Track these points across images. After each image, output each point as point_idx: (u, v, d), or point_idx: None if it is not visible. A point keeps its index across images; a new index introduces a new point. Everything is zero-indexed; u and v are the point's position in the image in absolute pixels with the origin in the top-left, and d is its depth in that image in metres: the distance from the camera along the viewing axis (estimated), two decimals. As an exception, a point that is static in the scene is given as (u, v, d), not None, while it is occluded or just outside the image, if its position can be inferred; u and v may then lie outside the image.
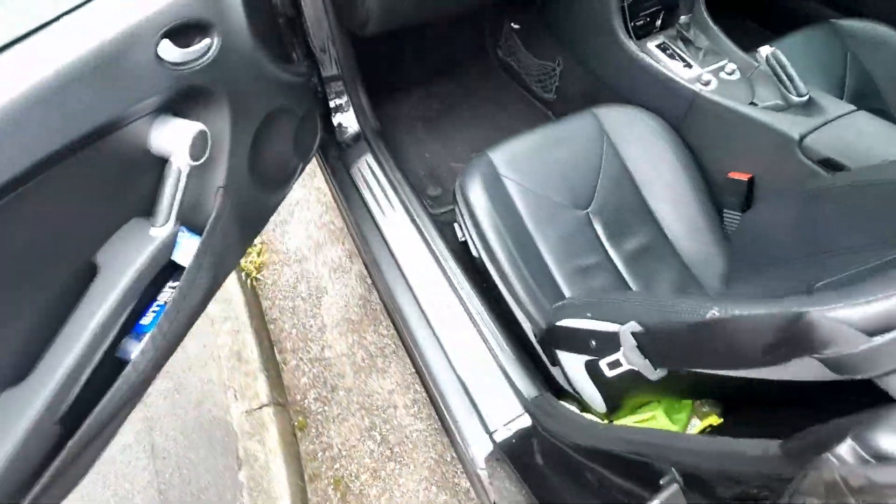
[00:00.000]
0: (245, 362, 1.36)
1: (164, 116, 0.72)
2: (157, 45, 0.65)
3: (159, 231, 0.74)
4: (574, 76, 1.45)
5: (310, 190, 1.81)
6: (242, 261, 1.61)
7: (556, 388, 1.04)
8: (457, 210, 1.17)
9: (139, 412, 1.29)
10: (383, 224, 1.24)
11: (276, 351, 1.49)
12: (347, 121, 1.38)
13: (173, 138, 0.70)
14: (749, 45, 1.19)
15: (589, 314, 0.77)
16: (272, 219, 1.76)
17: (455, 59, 1.75)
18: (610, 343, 0.70)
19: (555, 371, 1.04)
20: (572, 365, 0.93)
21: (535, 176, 1.15)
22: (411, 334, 1.12)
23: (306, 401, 1.40)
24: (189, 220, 0.80)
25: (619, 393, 0.90)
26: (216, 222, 0.79)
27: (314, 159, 1.50)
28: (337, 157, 1.39)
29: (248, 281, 1.59)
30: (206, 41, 0.72)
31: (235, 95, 0.79)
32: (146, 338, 0.69)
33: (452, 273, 1.16)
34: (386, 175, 1.29)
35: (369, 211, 1.27)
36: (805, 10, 1.52)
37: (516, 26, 1.57)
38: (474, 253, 1.13)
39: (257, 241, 1.69)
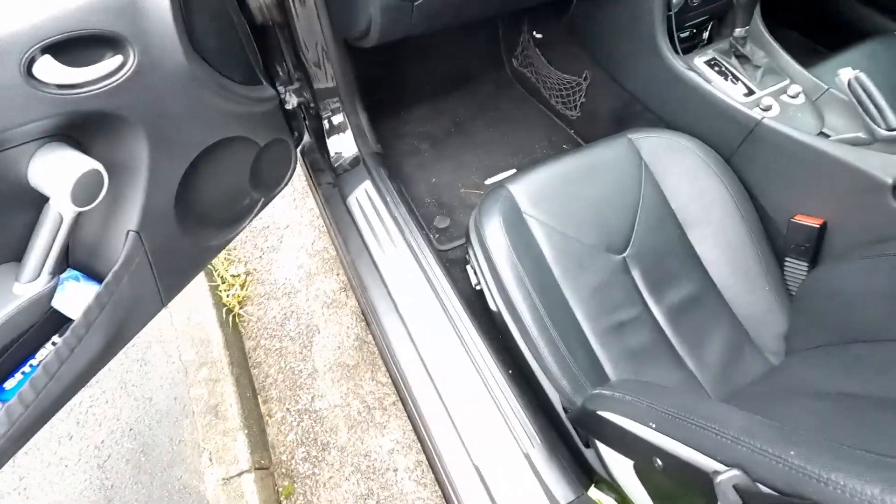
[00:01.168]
0: (223, 418, 1.19)
1: (51, 146, 0.60)
2: (28, 62, 0.53)
3: (24, 288, 0.63)
4: (603, 93, 1.28)
5: (302, 212, 1.64)
6: (223, 294, 1.44)
7: (585, 467, 0.88)
8: (470, 252, 1.00)
9: (95, 480, 1.11)
10: (382, 265, 1.07)
11: (259, 401, 1.31)
12: (344, 143, 1.20)
13: (54, 176, 0.58)
14: (801, 61, 1.02)
15: (653, 425, 0.60)
16: (259, 244, 1.60)
17: (465, 69, 1.57)
18: (687, 471, 0.53)
19: (588, 452, 0.87)
20: (616, 461, 0.75)
21: (564, 214, 0.98)
22: (414, 401, 0.95)
23: (293, 461, 1.22)
24: (87, 264, 0.72)
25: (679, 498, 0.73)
26: (121, 272, 0.70)
27: (305, 179, 1.33)
28: (332, 183, 1.21)
29: (230, 318, 1.41)
30: (116, 59, 0.59)
31: (158, 125, 0.67)
32: (1, 408, 0.58)
33: (463, 326, 0.99)
34: (387, 207, 1.11)
35: (367, 248, 1.10)
36: (864, 20, 1.35)
37: (538, 36, 1.39)
38: (492, 306, 0.96)
39: (241, 270, 1.51)
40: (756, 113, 0.95)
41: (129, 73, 0.61)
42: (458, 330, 0.99)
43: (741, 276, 0.98)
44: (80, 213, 0.67)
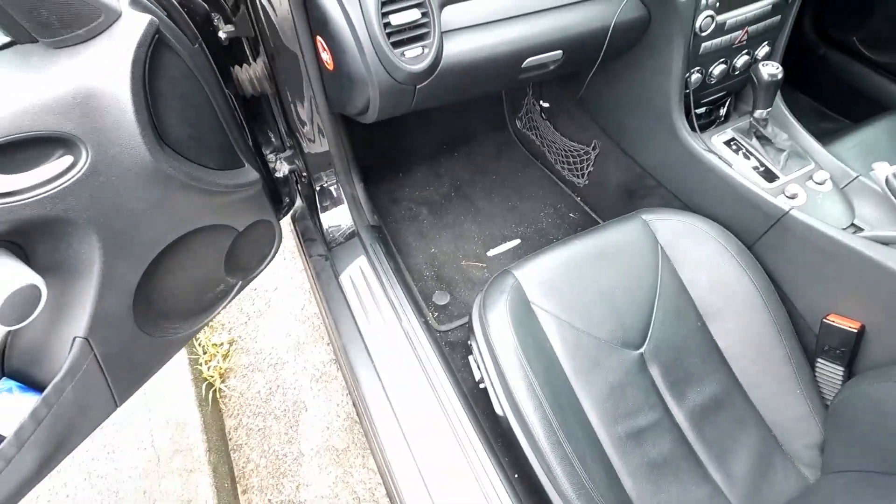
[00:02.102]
0: (196, 516, 1.07)
1: None
2: None
3: None
4: (613, 164, 1.22)
5: (292, 273, 1.55)
6: (203, 367, 1.33)
7: None
8: (474, 345, 0.92)
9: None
10: (376, 356, 0.98)
11: (238, 490, 1.19)
12: (338, 215, 1.12)
13: None
14: (816, 131, 0.97)
15: None
16: (245, 309, 1.50)
17: (466, 129, 1.51)
18: None
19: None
20: None
21: (575, 305, 0.90)
22: None
23: (273, 564, 1.10)
24: (27, 373, 0.67)
25: None
26: (63, 383, 0.65)
27: (294, 241, 1.25)
28: (324, 255, 1.13)
29: (210, 394, 1.30)
30: (65, 160, 0.54)
31: (113, 226, 0.62)
32: None
33: (462, 429, 0.90)
34: (383, 289, 1.03)
35: (360, 335, 1.01)
36: (878, 89, 1.31)
37: (545, 105, 1.34)
38: (497, 410, 0.87)
39: (225, 338, 1.41)
40: (782, 201, 0.89)
41: (80, 174, 0.55)
42: (454, 429, 0.89)
43: (769, 377, 0.90)
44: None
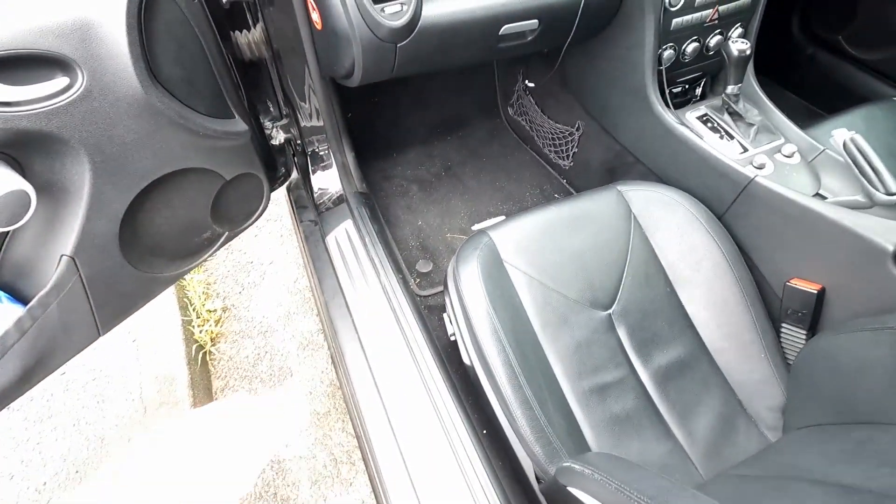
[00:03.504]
0: (176, 465, 1.10)
1: None
2: None
3: None
4: (595, 143, 1.26)
5: (288, 248, 1.60)
6: (195, 330, 1.38)
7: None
8: (447, 300, 0.95)
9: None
10: (354, 308, 1.01)
11: (220, 446, 1.22)
12: (328, 181, 1.18)
13: None
14: (797, 122, 1.00)
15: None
16: (240, 280, 1.56)
17: (460, 114, 1.57)
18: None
19: (562, 530, 0.78)
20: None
21: (547, 265, 0.93)
22: (374, 459, 0.87)
23: (248, 517, 1.12)
24: (15, 286, 0.71)
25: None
26: (48, 297, 0.68)
27: (289, 216, 1.31)
28: (314, 220, 1.18)
29: (200, 355, 1.34)
30: (61, 81, 0.59)
31: (104, 150, 0.66)
32: None
33: (433, 380, 0.92)
34: (365, 248, 1.07)
35: (341, 290, 1.05)
36: (862, 86, 1.34)
37: (531, 85, 1.40)
38: (465, 359, 0.90)
39: (218, 305, 1.46)
40: (749, 171, 0.92)
41: (75, 96, 0.60)
42: (426, 384, 0.92)
43: (735, 341, 0.92)
44: (6, 233, 0.65)
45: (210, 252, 0.96)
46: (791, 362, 0.90)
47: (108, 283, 0.78)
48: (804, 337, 0.88)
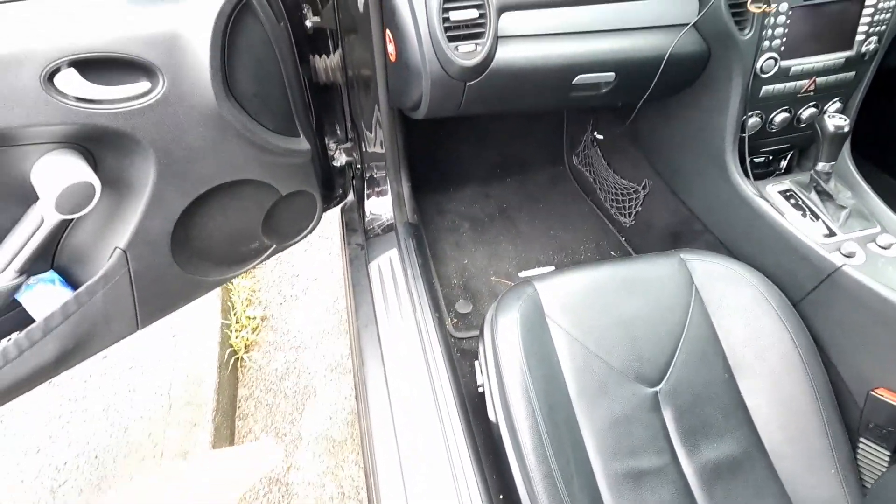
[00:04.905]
0: (188, 468, 1.10)
1: (60, 152, 0.63)
2: (51, 72, 0.57)
3: None
4: (661, 205, 1.19)
5: (333, 267, 1.61)
6: (232, 335, 1.40)
7: None
8: (480, 347, 0.90)
9: (42, 505, 1.04)
10: (386, 340, 0.98)
11: (233, 457, 1.21)
12: (381, 208, 1.18)
13: (47, 180, 0.61)
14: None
15: None
16: (283, 291, 1.58)
17: (522, 157, 1.55)
18: None
19: None
20: None
21: (592, 327, 0.87)
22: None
23: (247, 537, 1.09)
24: (70, 271, 0.74)
25: None
26: (96, 286, 0.71)
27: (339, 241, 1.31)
28: (360, 245, 1.18)
29: (232, 361, 1.36)
30: (143, 85, 0.63)
31: (171, 153, 0.69)
32: None
33: (452, 432, 0.87)
34: (406, 280, 1.05)
35: (375, 319, 1.02)
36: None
37: (599, 137, 1.36)
38: (490, 415, 0.84)
39: (258, 313, 1.48)
40: (835, 257, 0.82)
41: (153, 100, 0.64)
42: (446, 434, 0.86)
43: (800, 448, 0.80)
44: (70, 220, 0.68)
45: (255, 263, 0.97)
46: (868, 486, 0.77)
47: (154, 279, 0.81)
48: (887, 459, 0.76)
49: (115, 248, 0.73)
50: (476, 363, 0.94)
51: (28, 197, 0.65)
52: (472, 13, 0.76)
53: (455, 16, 0.77)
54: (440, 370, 0.94)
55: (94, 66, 0.60)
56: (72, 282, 0.75)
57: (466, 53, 0.79)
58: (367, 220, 1.18)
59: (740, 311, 0.88)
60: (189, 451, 1.13)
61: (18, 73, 0.57)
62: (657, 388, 0.84)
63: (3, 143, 0.61)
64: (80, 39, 0.60)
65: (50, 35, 0.59)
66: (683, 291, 0.91)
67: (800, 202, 0.92)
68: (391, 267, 1.10)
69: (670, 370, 0.85)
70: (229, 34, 0.70)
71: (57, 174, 0.62)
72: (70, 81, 0.59)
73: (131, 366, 1.26)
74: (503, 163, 1.53)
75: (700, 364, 0.86)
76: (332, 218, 1.38)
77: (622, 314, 0.88)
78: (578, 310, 0.88)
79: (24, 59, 0.57)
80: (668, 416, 0.83)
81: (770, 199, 0.93)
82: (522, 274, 1.26)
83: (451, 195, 1.48)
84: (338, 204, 1.27)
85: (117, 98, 0.63)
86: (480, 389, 0.89)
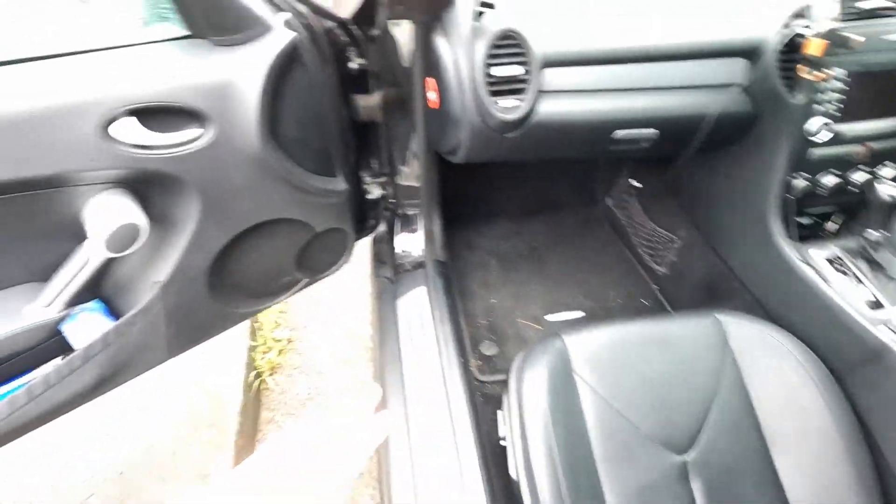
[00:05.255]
0: (207, 492, 1.11)
1: (111, 192, 0.66)
2: (108, 120, 0.60)
3: (33, 312, 0.67)
4: (697, 258, 1.16)
5: (360, 295, 1.62)
6: (258, 356, 1.42)
7: None
8: (505, 400, 0.89)
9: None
10: (409, 381, 0.98)
11: (252, 481, 1.22)
12: (411, 243, 1.18)
13: (98, 220, 0.64)
14: None
15: None
16: (310, 314, 1.60)
17: (554, 197, 1.54)
18: None
19: None
20: None
21: (621, 386, 0.85)
22: None
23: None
24: (113, 301, 0.76)
25: None
26: (136, 318, 0.72)
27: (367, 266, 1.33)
28: (389, 278, 1.19)
29: (256, 383, 1.37)
30: (194, 131, 0.65)
31: (215, 194, 0.71)
32: None
33: (472, 485, 0.85)
34: (434, 321, 1.05)
35: (400, 358, 1.02)
36: None
37: (637, 185, 1.33)
38: (511, 472, 0.82)
39: (285, 335, 1.50)
40: (884, 334, 0.78)
41: (202, 145, 0.66)
42: (464, 484, 0.85)
43: (838, 530, 0.76)
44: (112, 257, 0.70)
45: (286, 296, 0.99)
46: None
47: (189, 312, 0.83)
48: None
49: (156, 281, 0.75)
50: (500, 413, 0.92)
51: (78, 234, 0.68)
52: (516, 69, 0.77)
53: (498, 71, 0.77)
54: (462, 416, 0.93)
55: (150, 114, 0.63)
56: (113, 310, 0.78)
57: (507, 108, 0.79)
58: (397, 254, 1.19)
59: (778, 380, 0.85)
60: (209, 474, 1.14)
61: (81, 121, 0.60)
62: (686, 457, 0.81)
63: (60, 184, 0.64)
64: (139, 89, 0.63)
65: (112, 85, 0.62)
66: (717, 355, 0.88)
67: (847, 270, 0.88)
68: (419, 306, 1.10)
69: (700, 437, 0.82)
70: (278, 82, 0.72)
71: (108, 215, 0.65)
72: (127, 129, 0.62)
73: (159, 383, 1.29)
74: (535, 201, 1.52)
75: (732, 433, 0.83)
76: (360, 244, 1.40)
77: (652, 374, 0.86)
78: (607, 367, 0.86)
79: (88, 107, 0.60)
80: (696, 487, 0.80)
81: (815, 264, 0.90)
82: (549, 318, 1.25)
83: (481, 230, 1.47)
84: (367, 235, 1.29)
85: (169, 144, 0.66)
86: (503, 443, 0.87)
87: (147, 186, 0.70)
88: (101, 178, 0.65)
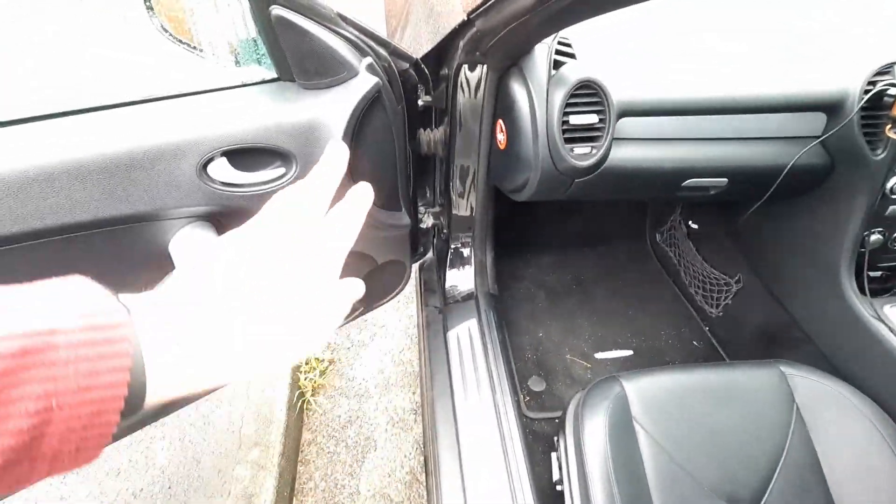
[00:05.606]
0: (253, 512, 1.12)
1: (197, 225, 0.68)
2: (206, 161, 0.63)
3: None
4: (756, 304, 1.14)
5: (401, 316, 1.63)
6: (301, 376, 1.44)
7: None
8: (561, 443, 0.88)
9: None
10: (462, 418, 0.98)
11: (294, 503, 1.23)
12: (462, 274, 1.19)
13: (185, 252, 0.67)
14: None
15: None
16: (352, 336, 1.61)
17: (602, 230, 1.53)
18: None
19: None
20: None
21: (681, 437, 0.83)
22: None
23: (300, 591, 1.09)
24: None
25: None
26: None
27: (414, 288, 1.34)
28: (438, 308, 1.19)
29: (300, 403, 1.39)
30: (279, 170, 0.68)
31: None
32: None
33: None
34: (486, 357, 1.05)
35: (452, 393, 1.02)
36: None
37: (694, 226, 1.32)
38: (569, 520, 0.81)
39: (327, 356, 1.52)
40: (967, 401, 0.75)
41: (285, 183, 0.68)
42: None
43: None
44: None
45: (343, 324, 1.00)
46: None
47: None
48: None
49: None
50: (554, 456, 0.91)
51: (163, 266, 0.70)
52: (593, 118, 0.77)
53: (575, 120, 0.78)
54: (517, 457, 0.92)
55: (240, 155, 0.66)
56: None
57: (581, 155, 0.80)
58: (447, 286, 1.20)
59: (848, 442, 0.82)
60: (254, 495, 1.15)
61: (181, 161, 0.63)
62: (750, 515, 0.79)
63: (154, 218, 0.67)
64: (234, 131, 0.65)
65: (209, 127, 0.65)
66: (783, 409, 0.85)
67: (923, 330, 0.86)
68: (470, 338, 1.10)
69: (766, 497, 0.80)
70: (360, 124, 0.74)
71: (193, 247, 0.67)
72: (220, 169, 0.65)
73: (209, 398, 1.32)
74: (583, 233, 1.51)
75: (800, 494, 0.80)
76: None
77: (714, 426, 0.84)
78: (667, 416, 0.85)
79: (188, 149, 0.63)
80: (761, 548, 0.78)
81: (888, 321, 0.87)
82: (599, 356, 1.23)
83: (529, 261, 1.47)
84: (417, 261, 1.30)
85: (255, 182, 0.68)
86: (558, 487, 0.86)
87: (229, 220, 0.72)
88: (191, 213, 0.68)
